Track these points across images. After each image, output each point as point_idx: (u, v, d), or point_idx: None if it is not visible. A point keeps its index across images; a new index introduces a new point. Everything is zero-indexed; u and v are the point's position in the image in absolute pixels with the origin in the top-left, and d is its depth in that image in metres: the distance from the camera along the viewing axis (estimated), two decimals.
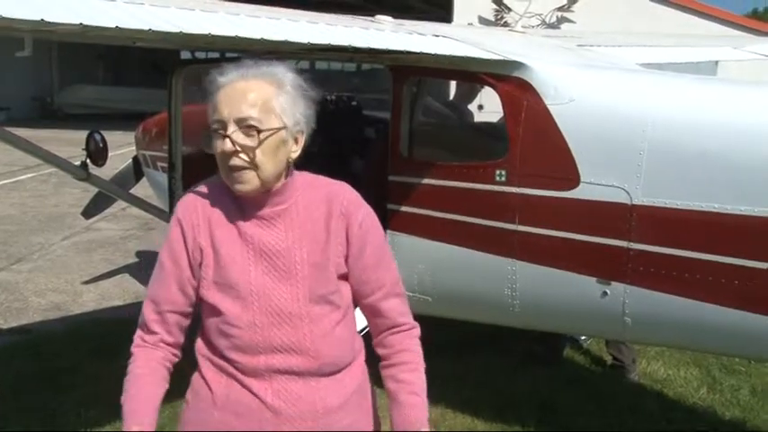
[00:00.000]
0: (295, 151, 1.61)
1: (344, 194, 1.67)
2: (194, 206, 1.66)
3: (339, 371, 1.66)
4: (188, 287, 1.64)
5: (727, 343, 3.13)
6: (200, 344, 1.69)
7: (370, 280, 1.67)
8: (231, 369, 1.62)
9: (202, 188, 1.69)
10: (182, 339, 1.70)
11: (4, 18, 1.72)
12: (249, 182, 1.56)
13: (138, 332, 1.69)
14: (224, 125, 1.54)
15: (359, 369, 1.74)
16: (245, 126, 1.53)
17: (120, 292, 5.97)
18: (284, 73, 1.59)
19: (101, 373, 4.33)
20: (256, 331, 1.59)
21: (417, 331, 1.75)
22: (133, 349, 1.67)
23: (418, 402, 1.68)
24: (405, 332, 1.71)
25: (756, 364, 4.49)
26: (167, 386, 1.68)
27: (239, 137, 1.53)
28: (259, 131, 1.53)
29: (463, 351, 4.58)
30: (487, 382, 4.26)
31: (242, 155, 1.53)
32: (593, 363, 4.66)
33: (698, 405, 4.14)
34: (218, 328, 1.62)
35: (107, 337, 4.87)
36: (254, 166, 1.54)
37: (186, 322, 1.69)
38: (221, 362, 1.63)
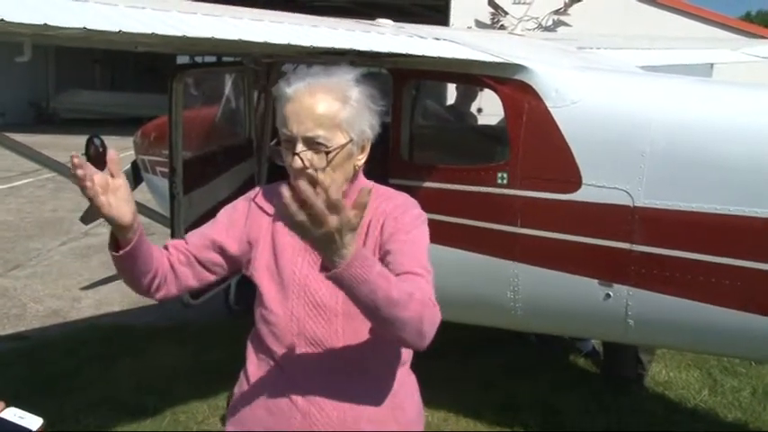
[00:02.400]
0: (361, 159, 1.65)
1: (396, 199, 1.69)
2: (267, 196, 1.74)
3: (372, 377, 1.66)
4: (217, 249, 1.72)
5: (730, 345, 3.13)
6: (250, 338, 1.76)
7: (389, 262, 1.54)
8: (270, 362, 1.68)
9: (276, 186, 1.70)
10: (187, 282, 1.72)
11: (5, 22, 1.71)
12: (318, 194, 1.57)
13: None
14: (293, 142, 1.57)
15: (393, 378, 1.71)
16: (314, 144, 1.56)
17: (118, 297, 5.94)
18: (350, 85, 1.60)
19: (99, 379, 4.33)
20: (293, 320, 1.64)
21: (435, 307, 1.49)
22: None
23: (374, 264, 1.36)
24: (418, 278, 1.50)
25: (757, 365, 4.50)
26: (158, 271, 1.67)
27: (308, 155, 1.56)
28: (327, 151, 1.56)
29: (465, 354, 4.57)
30: (489, 384, 4.26)
31: (310, 171, 1.55)
32: (595, 365, 4.66)
33: (699, 407, 4.14)
34: (261, 314, 1.69)
35: (105, 343, 4.87)
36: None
37: (198, 277, 1.72)
38: (263, 355, 1.70)
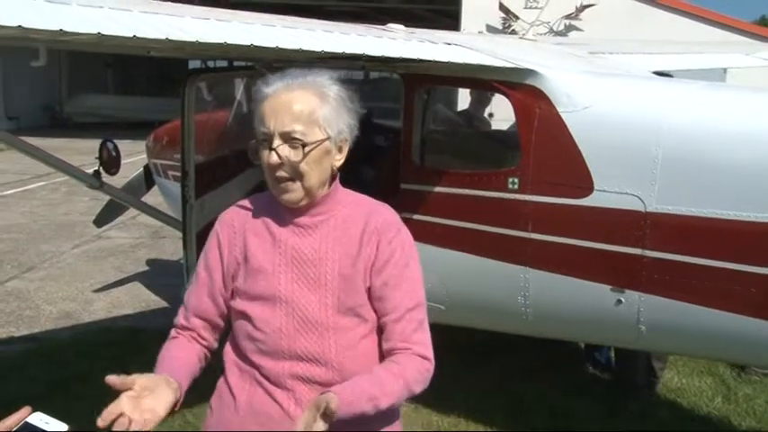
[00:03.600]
0: (339, 159, 1.64)
1: (383, 213, 1.69)
2: (233, 219, 1.71)
3: None
4: (219, 298, 1.70)
5: (743, 351, 3.11)
6: (227, 348, 1.72)
7: (386, 297, 1.63)
8: (256, 374, 1.64)
9: (245, 202, 1.74)
10: (214, 344, 1.75)
11: (23, 28, 1.74)
12: (295, 191, 1.60)
13: (173, 329, 1.74)
14: (270, 138, 1.57)
15: None
16: (290, 139, 1.56)
17: (130, 300, 5.98)
18: (328, 83, 1.61)
19: None
20: (282, 337, 1.60)
21: (424, 362, 1.62)
22: (168, 339, 1.72)
23: (362, 387, 1.52)
24: (406, 354, 1.61)
25: None
26: (198, 373, 1.69)
27: (284, 150, 1.56)
28: (304, 145, 1.56)
29: (476, 358, 4.57)
30: (500, 388, 4.25)
31: (287, 167, 1.57)
32: (604, 371, 4.64)
33: (713, 414, 4.11)
34: (245, 331, 1.65)
35: (118, 345, 4.89)
36: (299, 176, 1.59)
37: (217, 330, 1.74)
38: (246, 366, 1.65)
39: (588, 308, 3.17)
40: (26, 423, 1.09)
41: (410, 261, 1.67)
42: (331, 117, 1.59)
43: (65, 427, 1.09)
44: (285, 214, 1.65)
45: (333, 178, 1.66)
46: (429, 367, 1.63)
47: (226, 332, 1.76)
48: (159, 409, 1.43)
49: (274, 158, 1.56)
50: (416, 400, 3.96)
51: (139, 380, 1.42)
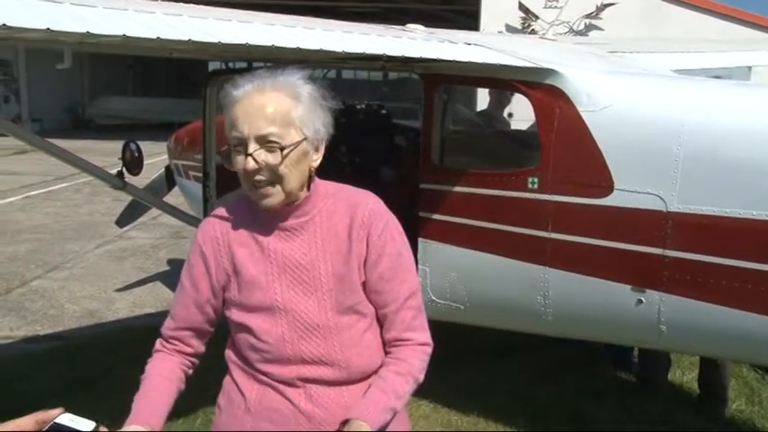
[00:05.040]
0: (316, 160, 1.60)
1: (368, 204, 1.65)
2: (214, 230, 1.67)
3: (369, 376, 1.66)
4: (207, 308, 1.70)
5: (766, 353, 3.08)
6: (230, 353, 1.71)
7: (383, 290, 1.64)
8: (263, 377, 1.64)
9: (221, 210, 1.71)
10: (201, 349, 1.77)
11: (51, 31, 1.77)
12: (274, 196, 1.56)
13: (159, 340, 1.75)
14: (244, 143, 1.52)
15: None
16: (267, 142, 1.51)
17: (152, 299, 6.05)
18: (300, 83, 1.57)
19: (136, 378, 4.40)
20: (286, 345, 1.60)
21: (425, 348, 1.67)
22: (153, 353, 1.74)
23: (381, 401, 1.57)
24: (409, 346, 1.65)
25: None
26: (183, 387, 1.74)
27: (261, 154, 1.51)
28: (282, 148, 1.52)
29: (495, 359, 4.56)
30: (519, 390, 4.24)
31: (265, 171, 1.53)
32: (623, 373, 4.62)
33: (736, 416, 4.06)
34: (247, 342, 1.63)
35: (140, 344, 4.91)
36: (278, 180, 1.54)
37: (205, 336, 1.75)
38: (253, 372, 1.65)
39: (608, 308, 3.16)
40: (55, 423, 1.12)
41: (402, 249, 1.67)
42: (306, 117, 1.55)
43: (92, 424, 1.12)
44: (268, 220, 1.62)
45: (311, 179, 1.62)
46: (429, 351, 1.68)
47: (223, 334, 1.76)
48: None
49: (251, 164, 1.51)
50: (435, 399, 4.00)
51: None
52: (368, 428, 1.50)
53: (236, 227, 1.65)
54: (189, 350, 1.74)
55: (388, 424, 1.58)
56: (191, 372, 1.76)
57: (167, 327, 1.74)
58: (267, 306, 1.60)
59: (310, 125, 1.55)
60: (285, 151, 1.52)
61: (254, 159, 1.51)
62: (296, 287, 1.60)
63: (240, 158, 1.53)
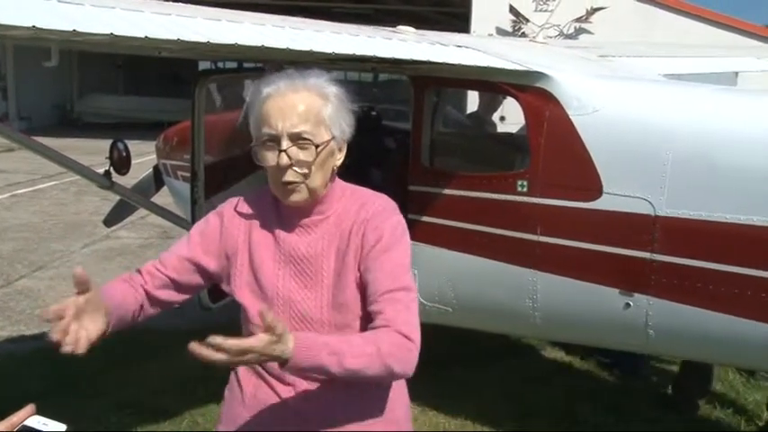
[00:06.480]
0: (339, 159, 1.65)
1: (374, 204, 1.66)
2: (239, 207, 1.71)
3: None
4: (196, 268, 1.68)
5: (753, 357, 3.10)
6: None
7: (368, 282, 1.57)
8: (260, 369, 1.66)
9: (248, 196, 1.74)
10: (160, 308, 1.70)
11: (37, 29, 1.75)
12: (301, 192, 1.59)
13: (130, 272, 1.71)
14: (277, 139, 1.55)
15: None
16: (300, 139, 1.55)
17: None
18: (328, 84, 1.61)
19: (123, 380, 4.37)
20: None
21: (406, 342, 1.50)
22: (125, 275, 1.70)
23: (326, 345, 1.43)
24: (386, 329, 1.50)
25: None
26: (135, 318, 1.65)
27: (294, 151, 1.55)
28: (316, 145, 1.55)
29: (483, 361, 4.56)
30: (508, 392, 4.24)
31: (297, 168, 1.56)
32: (611, 375, 4.63)
33: (722, 420, 4.08)
34: (247, 329, 1.66)
35: (129, 344, 4.90)
36: (306, 177, 1.57)
37: (173, 299, 1.70)
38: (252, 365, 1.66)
39: (596, 311, 3.16)
40: (24, 426, 1.09)
41: (395, 245, 1.61)
42: (334, 117, 1.59)
43: (63, 427, 1.10)
44: (287, 213, 1.65)
45: (333, 178, 1.66)
46: (411, 347, 1.50)
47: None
48: (92, 334, 1.43)
49: (285, 160, 1.54)
50: (423, 402, 3.99)
51: (87, 296, 1.42)
52: (290, 347, 1.37)
53: (257, 213, 1.69)
54: (153, 294, 1.66)
55: (304, 369, 1.43)
56: (140, 317, 1.66)
57: (149, 264, 1.70)
58: (269, 292, 1.63)
59: (337, 125, 1.60)
60: (319, 149, 1.55)
61: (288, 155, 1.53)
62: (297, 279, 1.62)
63: (271, 154, 1.56)
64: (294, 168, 1.55)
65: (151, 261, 1.72)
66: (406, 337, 1.50)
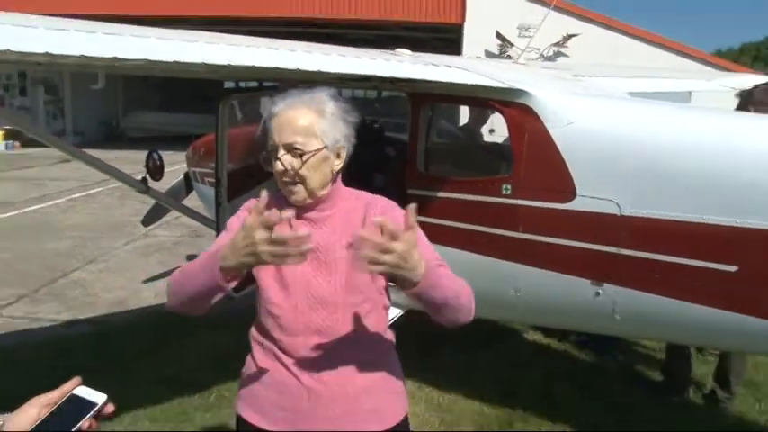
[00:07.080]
0: (338, 164, 1.68)
1: (381, 200, 1.73)
2: (262, 203, 1.68)
3: (369, 356, 1.68)
4: None
5: (702, 336, 3.10)
6: (253, 330, 1.76)
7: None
8: (276, 350, 1.67)
9: (268, 194, 1.71)
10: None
11: (85, 57, 1.76)
12: (298, 192, 1.65)
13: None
14: (276, 149, 1.63)
15: (387, 356, 1.76)
16: (292, 149, 1.61)
17: None
18: (325, 100, 1.65)
19: (161, 358, 4.38)
20: (297, 313, 1.64)
21: (472, 295, 1.60)
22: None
23: (440, 268, 1.50)
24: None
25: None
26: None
27: (287, 159, 1.62)
28: (302, 154, 1.61)
29: (473, 345, 4.53)
30: (496, 373, 4.22)
31: (290, 172, 1.63)
32: (587, 355, 4.59)
33: (696, 406, 4.02)
34: (266, 308, 1.69)
35: (164, 328, 4.91)
36: (301, 180, 1.63)
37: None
38: (268, 343, 1.69)
39: (571, 299, 3.14)
40: (72, 395, 1.12)
41: (415, 227, 1.56)
42: (327, 129, 1.63)
43: (104, 396, 1.12)
44: (297, 211, 1.67)
45: (334, 180, 1.69)
46: (473, 300, 1.61)
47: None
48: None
49: (279, 166, 1.62)
50: (420, 380, 3.96)
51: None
52: (422, 264, 1.40)
53: (277, 209, 1.64)
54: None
55: (429, 282, 1.43)
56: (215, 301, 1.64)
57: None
58: (287, 276, 1.64)
59: (330, 136, 1.63)
60: (305, 157, 1.61)
61: (281, 162, 1.61)
62: (312, 264, 1.63)
63: (273, 162, 1.65)
64: (288, 173, 1.62)
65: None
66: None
